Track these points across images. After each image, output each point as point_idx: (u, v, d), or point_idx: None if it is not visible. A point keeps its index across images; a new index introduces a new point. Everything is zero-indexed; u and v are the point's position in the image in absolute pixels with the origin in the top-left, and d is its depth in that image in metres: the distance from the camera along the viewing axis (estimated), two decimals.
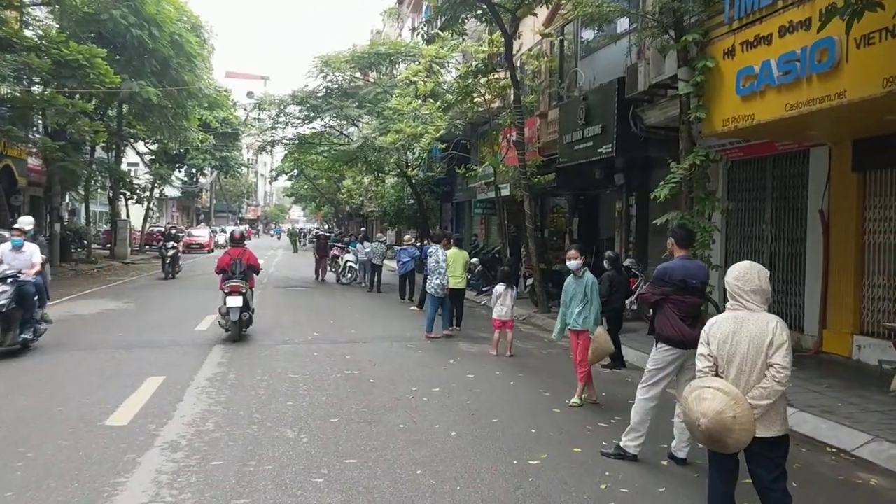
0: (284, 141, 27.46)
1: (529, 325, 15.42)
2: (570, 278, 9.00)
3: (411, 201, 30.84)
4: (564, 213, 22.75)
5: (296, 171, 51.48)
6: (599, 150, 14.74)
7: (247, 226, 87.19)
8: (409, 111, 20.33)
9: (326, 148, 29.86)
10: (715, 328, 4.72)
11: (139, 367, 9.85)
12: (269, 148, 27.53)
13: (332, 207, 69.63)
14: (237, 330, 12.34)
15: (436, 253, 13.39)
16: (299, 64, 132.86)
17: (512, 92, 20.27)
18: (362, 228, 39.04)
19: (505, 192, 20.71)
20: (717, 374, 4.67)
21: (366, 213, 59.53)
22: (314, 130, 27.95)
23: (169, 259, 25.33)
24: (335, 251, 31.17)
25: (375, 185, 47.31)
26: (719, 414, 4.42)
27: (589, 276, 8.88)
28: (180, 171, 55.00)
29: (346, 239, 36.26)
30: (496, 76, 18.56)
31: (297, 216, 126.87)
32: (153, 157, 42.56)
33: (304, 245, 57.08)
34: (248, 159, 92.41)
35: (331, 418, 7.47)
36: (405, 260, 19.32)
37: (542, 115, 19.47)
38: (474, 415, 7.79)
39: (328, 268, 26.46)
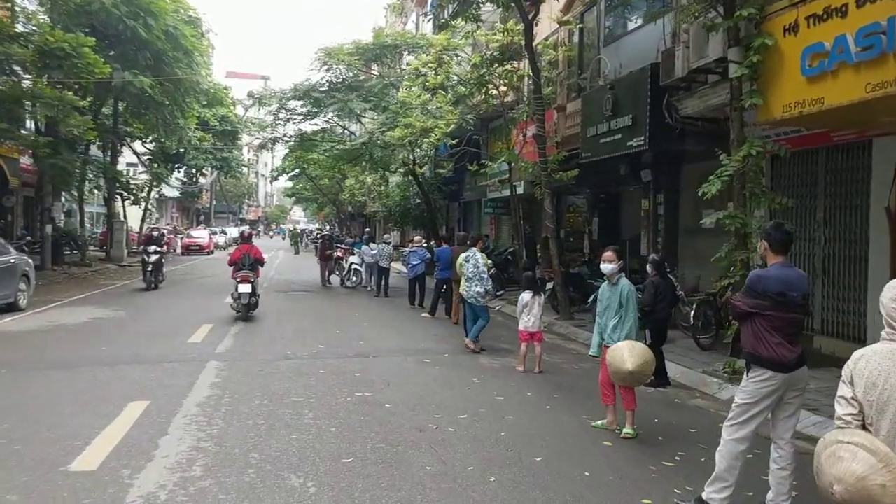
0: (285, 138, 26.21)
1: (552, 335, 14.16)
2: (604, 285, 7.75)
3: (417, 201, 29.58)
4: (582, 212, 21.50)
5: (297, 170, 50.54)
6: (629, 144, 13.49)
7: (248, 227, 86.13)
8: (417, 104, 19.08)
9: (328, 147, 28.69)
10: (862, 364, 3.52)
11: (121, 390, 8.59)
12: (269, 146, 26.29)
13: (333, 208, 68.40)
14: (245, 311, 15.12)
15: (473, 257, 12.05)
16: (299, 61, 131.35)
17: (528, 83, 19.11)
18: (366, 229, 37.81)
19: (520, 189, 19.45)
20: (862, 426, 3.47)
21: (369, 214, 58.33)
22: (316, 127, 26.71)
23: (151, 266, 21.44)
24: (338, 253, 29.99)
25: (379, 185, 46.21)
26: (862, 480, 3.28)
27: (625, 283, 7.61)
28: (179, 172, 53.77)
29: (350, 240, 35.10)
30: (512, 66, 17.30)
31: (299, 217, 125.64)
32: (150, 156, 41.37)
33: (307, 246, 55.75)
34: (249, 159, 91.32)
35: (342, 458, 6.21)
36: (415, 263, 18.08)
37: (559, 108, 18.22)
38: (512, 451, 6.53)
39: (333, 271, 24.88)
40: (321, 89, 23.15)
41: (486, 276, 11.94)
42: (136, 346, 11.74)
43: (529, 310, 10.33)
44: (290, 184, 75.52)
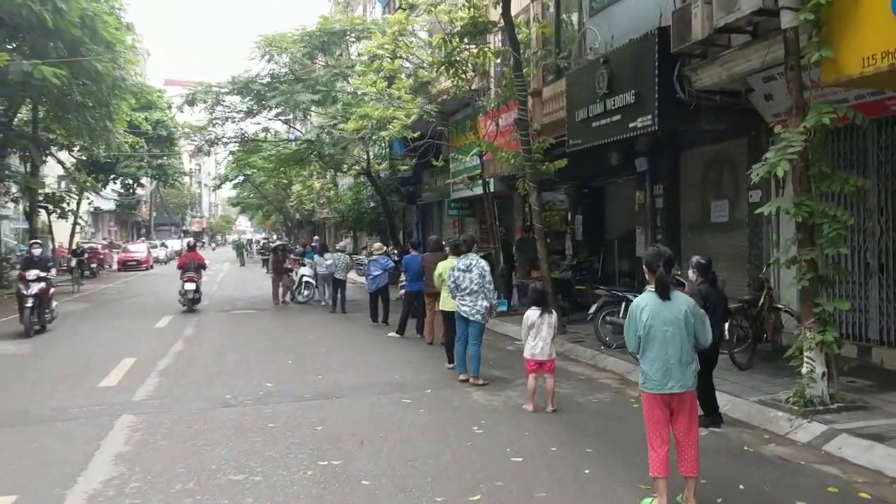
0: (225, 139, 23.48)
1: None
2: (645, 302, 5.39)
3: (372, 204, 27.11)
4: (560, 210, 19.35)
5: (240, 177, 47.53)
6: (632, 125, 11.30)
7: (192, 238, 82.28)
8: (373, 93, 16.65)
9: (272, 149, 26.09)
10: None
11: None
12: (206, 149, 23.54)
13: (280, 216, 65.36)
14: (191, 304, 18.61)
15: (477, 264, 9.53)
16: (241, 64, 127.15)
17: (496, 66, 16.86)
18: (315, 237, 35.11)
19: (491, 187, 17.18)
20: None
21: (318, 221, 55.54)
22: (258, 126, 24.07)
23: (31, 301, 14.20)
24: (287, 264, 27.33)
25: (328, 190, 43.56)
26: None
27: (681, 299, 5.34)
28: (115, 183, 50.27)
29: (300, 249, 32.47)
30: (485, 43, 15.03)
31: (245, 226, 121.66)
32: (77, 166, 38.04)
33: (252, 257, 52.65)
34: (191, 169, 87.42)
35: None
36: (376, 273, 15.64)
37: (535, 93, 15.96)
38: None
39: (290, 287, 21.45)
40: (262, 81, 20.56)
41: (493, 287, 9.59)
42: (31, 394, 9.10)
43: (537, 332, 8.03)
44: (234, 192, 72.40)
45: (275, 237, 75.27)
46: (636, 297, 10.44)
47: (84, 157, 37.65)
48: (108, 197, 52.57)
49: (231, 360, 11.38)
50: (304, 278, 20.54)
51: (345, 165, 22.54)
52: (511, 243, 18.48)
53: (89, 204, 41.41)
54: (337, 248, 20.07)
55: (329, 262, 18.21)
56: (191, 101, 21.13)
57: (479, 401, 8.58)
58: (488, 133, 16.33)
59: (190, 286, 18.37)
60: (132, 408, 8.29)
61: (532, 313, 8.06)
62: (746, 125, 11.22)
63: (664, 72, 10.70)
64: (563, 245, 18.76)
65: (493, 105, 15.33)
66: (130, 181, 50.15)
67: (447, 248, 11.25)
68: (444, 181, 25.21)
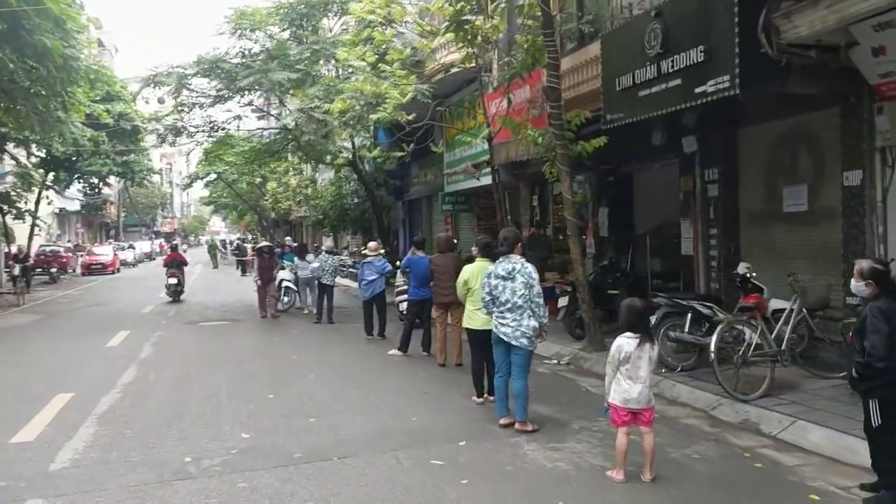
0: (191, 128, 20.75)
1: (591, 376, 9.50)
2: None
3: (356, 200, 24.52)
4: (574, 202, 16.89)
5: (212, 175, 44.61)
6: (700, 91, 8.86)
7: (162, 240, 78.92)
8: (363, 67, 14.07)
9: (245, 145, 23.47)
10: None
11: None
12: (170, 139, 20.80)
13: (255, 215, 62.37)
14: (176, 296, 21.09)
15: (523, 270, 7.01)
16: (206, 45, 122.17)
17: (501, 37, 14.39)
18: (287, 237, 32.38)
19: (500, 174, 14.70)
20: None
21: (294, 220, 52.75)
22: (229, 114, 21.34)
23: None
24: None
25: (305, 186, 40.84)
26: None
27: None
28: (80, 182, 47.11)
29: (277, 250, 29.87)
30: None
31: (219, 227, 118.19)
32: (35, 165, 35.04)
33: (226, 258, 49.66)
34: (161, 168, 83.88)
35: None
36: (371, 278, 13.12)
37: (550, 66, 13.54)
38: None
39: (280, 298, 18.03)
40: (232, 61, 17.92)
41: (542, 300, 7.10)
42: None
43: (634, 368, 5.57)
44: (206, 192, 69.14)
45: (250, 237, 72.26)
46: (704, 305, 7.94)
47: (43, 155, 34.75)
48: (71, 197, 49.32)
49: (194, 395, 8.79)
50: (284, 283, 17.91)
51: (328, 156, 19.91)
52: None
53: (49, 203, 38.18)
54: (323, 248, 17.42)
55: (315, 264, 15.58)
56: (152, 84, 18.41)
57: (538, 460, 6.11)
58: (498, 112, 13.88)
59: (173, 280, 21.21)
60: (45, 486, 5.70)
61: (626, 342, 5.59)
62: (840, 90, 8.90)
63: (746, 19, 8.30)
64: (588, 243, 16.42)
65: (506, 77, 12.84)
66: (95, 180, 47.06)
67: (474, 249, 8.67)
68: (435, 174, 22.74)
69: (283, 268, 19.08)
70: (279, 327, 15.25)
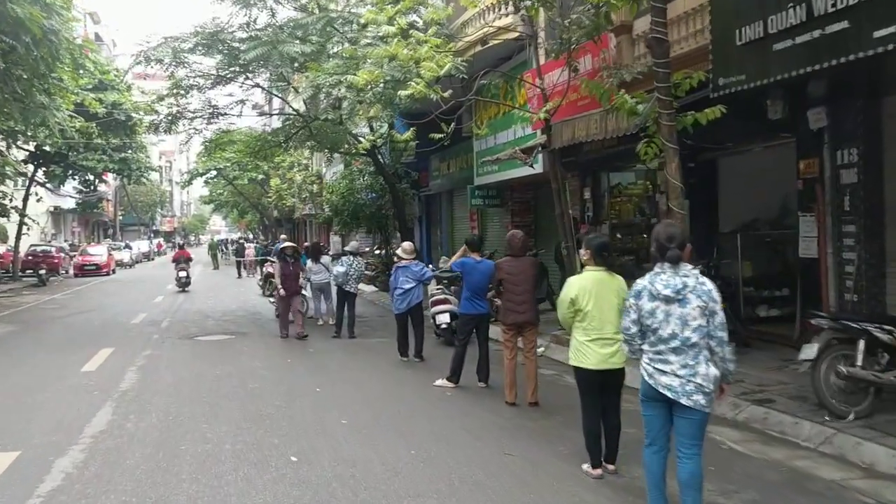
0: (189, 113, 18.17)
1: (721, 423, 6.96)
2: None
3: (372, 194, 21.94)
4: (633, 194, 14.44)
5: (212, 171, 42.02)
6: (883, 34, 6.35)
7: (160, 239, 76.40)
8: (393, 32, 11.48)
9: (249, 134, 21.00)
10: None
11: None
12: (164, 126, 18.22)
13: (256, 214, 59.71)
14: (184, 287, 24.74)
15: (700, 289, 4.44)
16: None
17: None
18: (282, 236, 29.74)
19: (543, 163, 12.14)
20: None
21: (298, 219, 50.13)
22: (231, 99, 18.74)
23: None
24: (270, 268, 22.13)
25: (311, 183, 38.28)
26: None
27: None
28: (74, 179, 44.50)
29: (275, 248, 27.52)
30: None
31: (219, 226, 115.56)
32: (24, 159, 32.54)
33: (228, 258, 46.95)
34: (160, 166, 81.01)
35: None
36: (407, 286, 10.58)
37: (620, 28, 11.05)
38: None
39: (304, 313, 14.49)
40: (232, 31, 15.35)
41: (726, 336, 4.53)
42: None
43: None
44: (207, 190, 66.41)
45: (251, 236, 69.60)
46: (883, 330, 5.40)
47: (31, 149, 32.20)
48: (64, 194, 46.71)
49: (186, 457, 6.23)
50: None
51: (345, 144, 17.35)
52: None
53: (38, 201, 35.45)
54: (346, 249, 14.73)
55: (340, 268, 12.89)
56: (143, 60, 15.84)
57: None
58: (559, 86, 11.37)
59: (182, 273, 24.89)
60: None
61: None
62: None
63: None
64: (635, 239, 13.97)
65: (574, 41, 10.31)
66: (91, 177, 44.41)
67: (583, 253, 6.07)
68: (459, 165, 20.22)
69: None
70: (292, 343, 12.67)
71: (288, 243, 14.10)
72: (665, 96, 7.88)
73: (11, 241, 33.79)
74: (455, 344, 8.87)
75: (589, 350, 5.52)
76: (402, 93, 11.89)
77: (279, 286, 13.35)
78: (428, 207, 25.29)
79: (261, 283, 23.21)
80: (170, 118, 17.92)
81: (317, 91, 13.70)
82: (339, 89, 12.97)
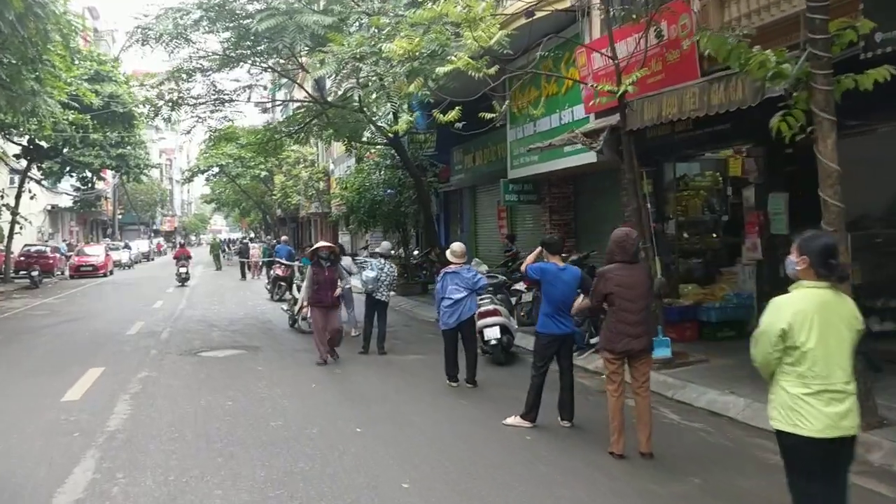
0: (192, 98, 16.21)
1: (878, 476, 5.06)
2: None
3: (389, 190, 19.99)
4: (700, 187, 12.52)
5: (214, 167, 40.10)
6: None
7: (160, 239, 74.38)
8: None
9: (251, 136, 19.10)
10: None
11: None
12: (165, 113, 16.27)
13: (258, 213, 57.65)
14: (183, 282, 26.50)
15: None
16: None
17: None
18: (283, 237, 27.71)
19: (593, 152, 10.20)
20: None
21: (303, 218, 48.21)
22: (237, 84, 16.78)
23: None
24: (279, 270, 20.23)
25: (318, 180, 36.37)
26: None
27: None
28: (72, 176, 42.50)
29: (284, 249, 25.72)
30: None
31: (220, 225, 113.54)
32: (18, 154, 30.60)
33: (230, 259, 44.89)
34: (160, 164, 78.82)
35: None
36: (458, 295, 8.63)
37: None
38: None
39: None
40: (246, 6, 13.41)
41: None
42: None
43: None
44: (208, 189, 64.32)
45: (252, 235, 67.53)
46: None
47: (24, 143, 30.19)
48: (61, 191, 44.77)
49: None
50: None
51: (367, 133, 15.43)
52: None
53: (32, 198, 33.29)
54: (377, 251, 12.60)
55: (371, 273, 10.85)
56: (140, 38, 13.90)
57: None
58: (635, 56, 9.46)
59: (183, 269, 26.60)
60: None
61: None
62: None
63: None
64: (704, 239, 12.10)
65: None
66: (88, 173, 42.36)
67: (796, 262, 4.05)
68: (488, 158, 18.29)
69: (301, 272, 14.68)
70: (309, 362, 10.69)
71: (322, 243, 11.74)
72: (822, 51, 5.94)
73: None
74: (532, 373, 6.92)
75: (809, 408, 3.59)
76: (442, 69, 9.93)
77: (307, 299, 10.91)
78: (446, 204, 23.35)
79: (268, 287, 21.28)
80: (171, 104, 15.94)
81: (340, 66, 11.71)
82: (368, 63, 10.97)
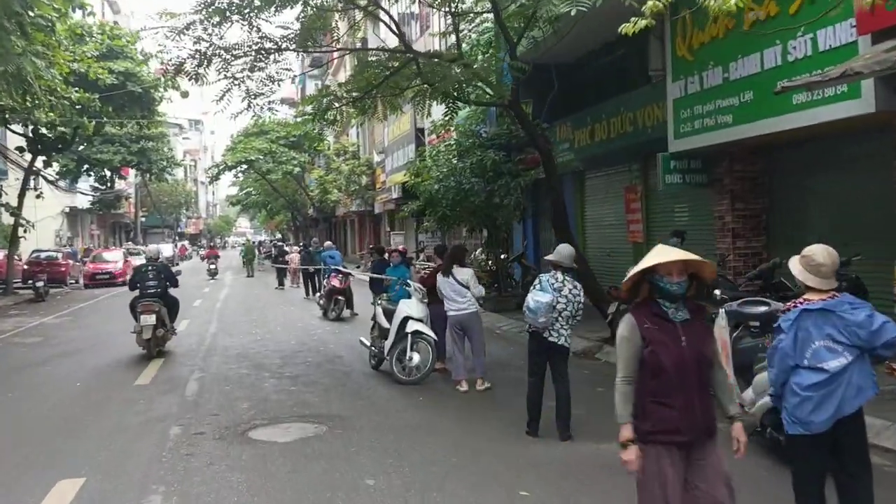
0: (224, 53, 11.53)
1: None
2: None
3: (474, 178, 15.03)
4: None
5: (242, 163, 35.57)
6: None
7: (185, 242, 69.93)
8: None
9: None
10: None
11: None
12: (190, 68, 11.60)
13: (288, 213, 52.85)
14: (212, 276, 29.80)
15: None
16: None
17: None
18: (314, 239, 22.92)
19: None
20: None
21: (338, 218, 43.49)
22: (288, 32, 12.06)
23: None
24: (335, 282, 15.54)
25: (360, 174, 31.69)
26: None
27: None
28: (89, 175, 38.18)
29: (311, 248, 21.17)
30: None
31: (245, 228, 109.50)
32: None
33: (262, 264, 39.88)
34: (185, 165, 74.43)
35: None
36: (834, 364, 3.79)
37: None
38: None
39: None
40: None
41: None
42: None
43: None
44: (234, 190, 59.80)
45: (279, 237, 62.98)
46: None
47: (29, 134, 25.63)
48: (77, 190, 40.40)
49: None
50: (412, 325, 8.63)
51: (473, 91, 10.69)
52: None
53: (38, 197, 28.59)
54: (548, 258, 6.39)
55: (545, 298, 5.90)
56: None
57: None
58: None
59: (212, 266, 30.70)
60: None
61: None
62: None
63: None
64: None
65: None
66: (107, 172, 37.91)
67: None
68: (619, 129, 13.43)
69: (385, 291, 9.97)
70: (452, 451, 5.92)
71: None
72: None
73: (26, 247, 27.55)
74: None
75: None
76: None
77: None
78: (535, 194, 18.26)
79: (321, 303, 16.49)
80: (198, 55, 11.27)
81: None
82: None
